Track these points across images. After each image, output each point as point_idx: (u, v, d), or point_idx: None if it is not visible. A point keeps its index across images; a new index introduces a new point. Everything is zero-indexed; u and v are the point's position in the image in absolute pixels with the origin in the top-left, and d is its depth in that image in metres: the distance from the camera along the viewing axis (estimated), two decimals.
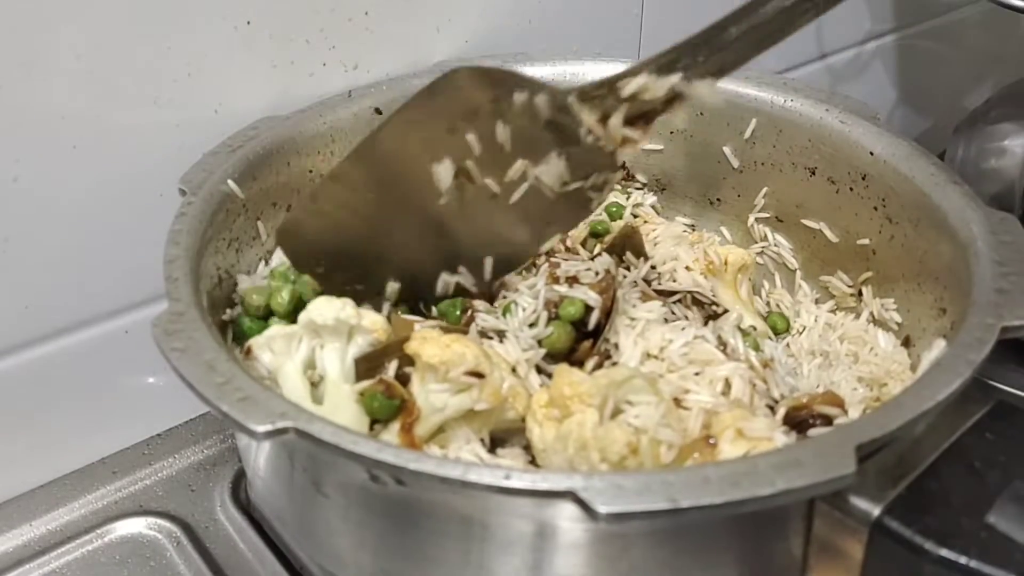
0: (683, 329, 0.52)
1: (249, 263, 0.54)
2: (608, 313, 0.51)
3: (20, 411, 0.57)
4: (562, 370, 0.47)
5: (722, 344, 0.52)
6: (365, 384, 0.48)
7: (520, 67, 0.66)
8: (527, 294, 0.53)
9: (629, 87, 0.48)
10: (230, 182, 0.53)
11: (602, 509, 0.35)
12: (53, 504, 0.57)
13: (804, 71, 0.90)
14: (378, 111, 0.62)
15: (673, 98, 0.48)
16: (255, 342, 0.49)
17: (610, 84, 0.49)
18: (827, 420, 0.47)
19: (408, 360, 0.48)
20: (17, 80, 0.50)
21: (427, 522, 0.42)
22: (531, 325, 0.51)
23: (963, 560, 0.38)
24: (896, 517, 0.39)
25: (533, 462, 0.47)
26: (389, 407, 0.47)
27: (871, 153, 0.58)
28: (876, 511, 0.39)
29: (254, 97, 0.59)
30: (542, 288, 0.52)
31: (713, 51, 0.47)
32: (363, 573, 0.46)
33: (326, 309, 0.49)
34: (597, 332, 0.51)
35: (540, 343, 0.50)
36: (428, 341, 0.47)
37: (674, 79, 0.47)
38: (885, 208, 0.58)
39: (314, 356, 0.49)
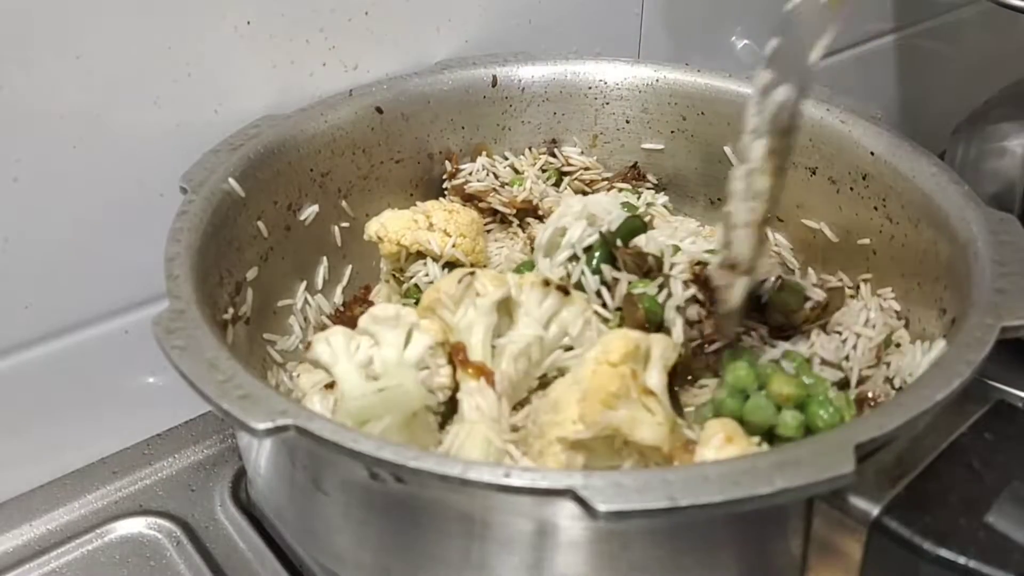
0: None
1: (250, 261, 0.54)
2: None
3: (20, 411, 0.57)
4: None
5: None
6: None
7: (520, 67, 0.66)
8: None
9: None
10: (231, 180, 0.53)
11: (601, 507, 0.35)
12: (53, 504, 0.57)
13: None
14: (379, 110, 0.62)
15: None
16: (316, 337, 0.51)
17: None
18: None
19: None
20: (17, 80, 0.50)
21: (427, 520, 0.42)
22: None
23: (961, 560, 0.38)
24: (895, 517, 0.39)
25: None
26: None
27: (871, 153, 0.58)
28: (875, 511, 0.39)
29: (254, 97, 0.59)
30: None
31: None
32: (363, 571, 0.46)
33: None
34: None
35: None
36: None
37: None
38: (885, 208, 0.58)
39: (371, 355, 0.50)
